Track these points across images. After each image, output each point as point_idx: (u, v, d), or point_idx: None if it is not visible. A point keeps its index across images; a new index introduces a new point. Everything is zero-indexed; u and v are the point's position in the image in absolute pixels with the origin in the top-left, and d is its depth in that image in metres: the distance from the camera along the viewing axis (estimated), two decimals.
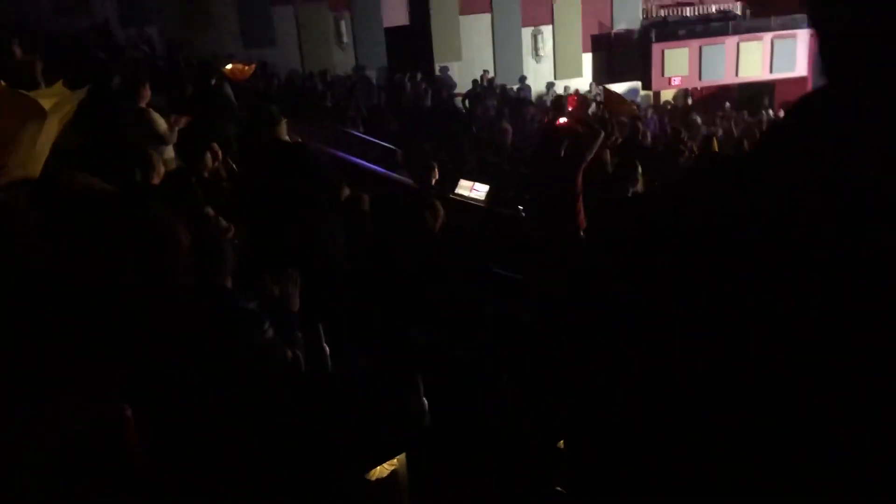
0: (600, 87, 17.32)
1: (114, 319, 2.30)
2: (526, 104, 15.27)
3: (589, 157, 5.93)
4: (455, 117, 12.96)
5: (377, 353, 3.02)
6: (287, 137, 4.22)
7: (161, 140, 4.61)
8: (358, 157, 9.06)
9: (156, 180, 4.25)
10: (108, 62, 8.88)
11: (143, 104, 4.85)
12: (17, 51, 5.01)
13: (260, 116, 4.19)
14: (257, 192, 4.08)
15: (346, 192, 5.30)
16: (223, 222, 4.14)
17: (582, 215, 5.93)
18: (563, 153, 5.90)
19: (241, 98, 8.03)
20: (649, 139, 10.15)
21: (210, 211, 4.18)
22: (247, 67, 11.81)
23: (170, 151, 4.70)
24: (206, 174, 5.26)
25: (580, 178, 5.88)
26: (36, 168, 2.46)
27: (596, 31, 17.66)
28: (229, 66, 11.67)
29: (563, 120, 6.77)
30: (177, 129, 4.92)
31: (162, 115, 5.23)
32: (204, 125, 5.75)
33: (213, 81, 6.98)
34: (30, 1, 13.67)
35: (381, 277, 3.94)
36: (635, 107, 6.81)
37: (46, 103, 2.41)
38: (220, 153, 4.92)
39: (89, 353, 2.00)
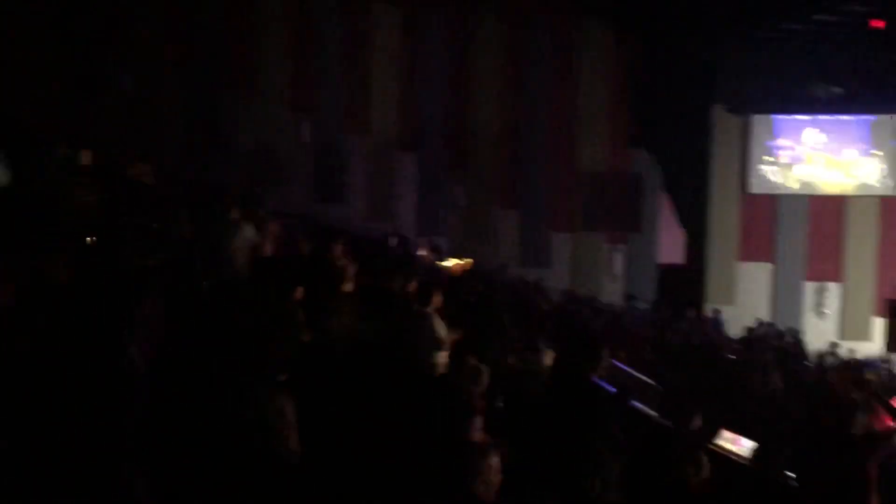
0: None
1: None
2: (802, 360, 14.22)
3: (887, 450, 5.17)
4: (722, 363, 12.38)
5: None
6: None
7: (438, 346, 4.93)
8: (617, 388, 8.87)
9: None
10: (405, 264, 9.82)
11: (430, 309, 5.25)
12: (338, 250, 5.80)
13: (581, 355, 4.35)
14: (551, 422, 4.15)
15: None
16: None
17: None
18: (856, 433, 5.17)
19: (508, 315, 8.37)
20: None
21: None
22: (465, 262, 12.40)
23: (443, 356, 4.99)
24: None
25: (875, 471, 5.09)
26: None
27: (892, 295, 16.30)
28: (450, 263, 12.37)
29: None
30: (453, 338, 5.23)
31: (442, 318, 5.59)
32: (474, 335, 6.04)
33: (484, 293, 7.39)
34: (347, 207, 15.88)
35: None
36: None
37: None
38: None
39: None
